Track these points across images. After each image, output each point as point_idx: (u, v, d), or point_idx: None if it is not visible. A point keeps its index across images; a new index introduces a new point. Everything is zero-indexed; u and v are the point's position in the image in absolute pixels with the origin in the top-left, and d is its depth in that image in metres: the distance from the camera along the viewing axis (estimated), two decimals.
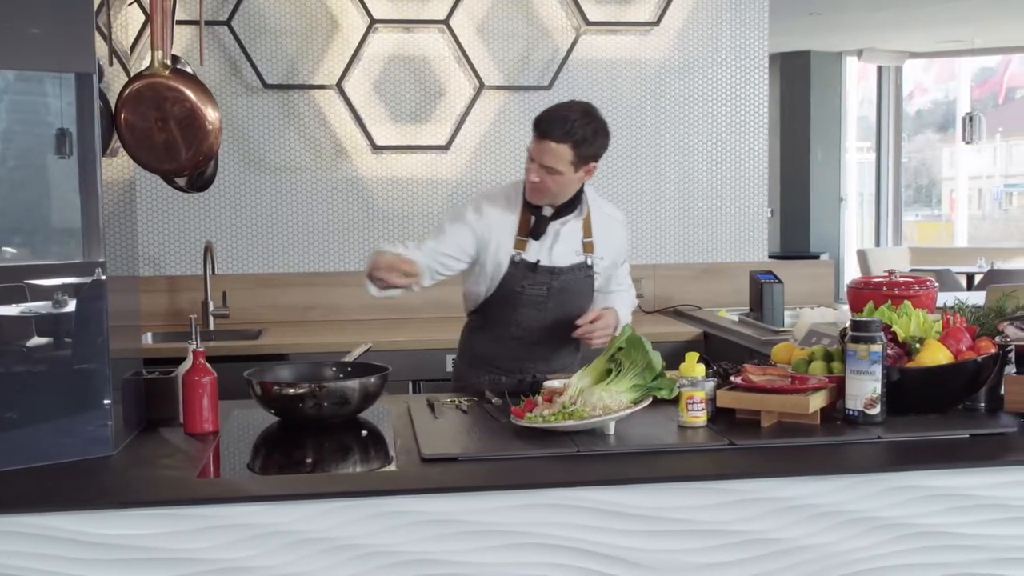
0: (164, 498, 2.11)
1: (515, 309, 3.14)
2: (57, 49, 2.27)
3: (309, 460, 2.51)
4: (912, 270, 9.60)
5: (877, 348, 2.49)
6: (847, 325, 2.70)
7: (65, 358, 2.38)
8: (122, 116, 2.48)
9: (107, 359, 2.39)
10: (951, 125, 14.13)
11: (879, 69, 11.54)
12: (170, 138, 2.50)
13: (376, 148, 4.94)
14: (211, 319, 4.69)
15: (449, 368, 4.19)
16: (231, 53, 4.82)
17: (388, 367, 2.83)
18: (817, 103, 11.03)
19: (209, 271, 4.63)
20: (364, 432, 2.67)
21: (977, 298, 5.91)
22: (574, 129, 2.93)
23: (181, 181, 2.76)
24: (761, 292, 4.44)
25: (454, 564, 2.14)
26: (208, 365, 2.62)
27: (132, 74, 2.55)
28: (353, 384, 2.68)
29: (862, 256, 10.36)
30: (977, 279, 9.37)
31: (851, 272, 10.85)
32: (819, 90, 11.05)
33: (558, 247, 3.11)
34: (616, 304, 3.25)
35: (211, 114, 2.55)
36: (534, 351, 3.22)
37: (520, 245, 3.09)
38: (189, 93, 2.53)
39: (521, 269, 3.09)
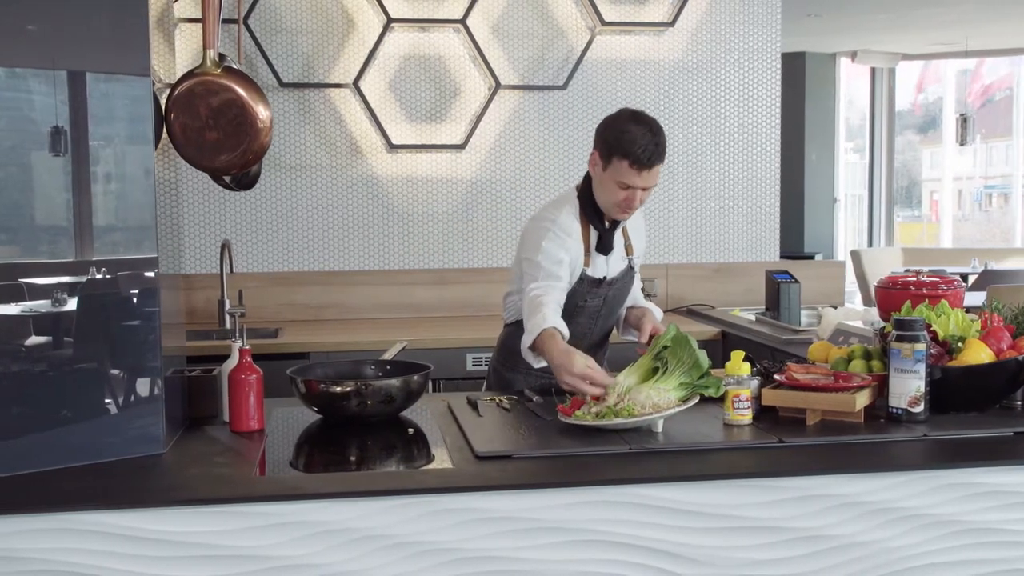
0: (225, 495, 2.11)
1: (571, 320, 3.00)
2: (112, 51, 2.27)
3: (361, 458, 2.51)
4: (906, 270, 9.65)
5: (921, 347, 2.52)
6: (887, 324, 2.74)
7: (117, 356, 2.38)
8: (172, 115, 2.48)
9: (159, 357, 2.39)
10: (931, 127, 14.22)
11: (872, 71, 11.62)
12: (221, 136, 2.50)
13: (392, 147, 4.95)
14: (227, 317, 4.68)
15: (469, 366, 4.22)
16: (247, 51, 4.81)
17: (430, 365, 2.84)
18: (812, 104, 11.09)
19: (226, 269, 4.62)
20: (411, 430, 2.67)
21: (976, 298, 5.96)
22: (664, 146, 2.92)
23: (228, 179, 2.76)
24: (778, 292, 4.48)
25: (512, 560, 2.15)
26: (254, 363, 2.62)
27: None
28: (397, 382, 2.69)
29: (856, 257, 10.41)
30: (971, 280, 9.43)
31: (846, 273, 10.89)
32: (814, 91, 11.11)
33: (613, 259, 3.11)
34: (641, 302, 3.29)
35: (262, 112, 2.55)
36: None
37: (586, 261, 3.05)
38: (241, 91, 2.53)
39: (586, 285, 3.06)
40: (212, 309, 4.73)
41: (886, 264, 10.35)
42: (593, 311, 3.11)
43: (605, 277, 3.08)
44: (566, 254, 2.96)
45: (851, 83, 12.11)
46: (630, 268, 3.17)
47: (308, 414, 2.77)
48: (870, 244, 11.79)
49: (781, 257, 5.52)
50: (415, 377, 2.72)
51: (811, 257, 10.38)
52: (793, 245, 11.09)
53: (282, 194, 4.91)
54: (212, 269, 4.75)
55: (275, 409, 2.84)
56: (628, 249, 3.16)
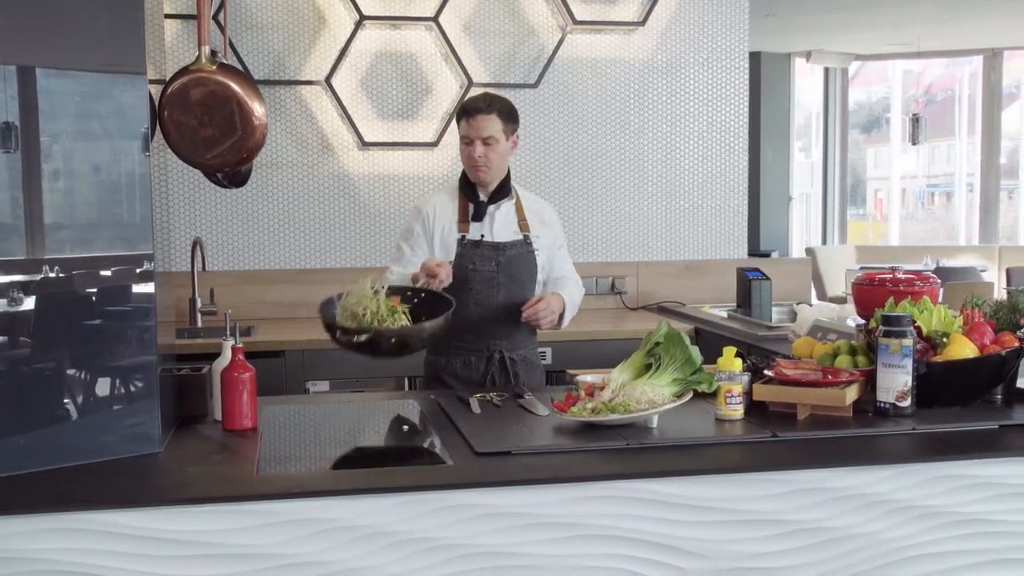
0: (228, 494, 2.10)
1: (470, 288, 3.31)
2: (109, 49, 2.25)
3: (359, 456, 2.50)
4: (862, 268, 9.82)
5: (908, 342, 2.56)
6: (872, 320, 2.79)
7: (113, 354, 2.36)
8: (166, 112, 2.45)
9: (155, 355, 2.37)
10: (876, 126, 14.42)
11: (826, 71, 11.76)
12: (216, 133, 2.48)
13: (364, 145, 4.94)
14: (199, 316, 4.63)
15: None
16: (217, 48, 4.76)
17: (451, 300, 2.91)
18: (767, 104, 11.19)
19: (197, 267, 4.58)
20: (405, 427, 2.68)
21: None
22: (494, 102, 3.33)
23: (220, 176, 2.73)
24: (749, 289, 4.53)
25: (515, 556, 2.16)
26: (247, 361, 2.60)
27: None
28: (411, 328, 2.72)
29: (811, 254, 10.54)
30: None
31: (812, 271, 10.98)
32: (769, 91, 11.21)
33: (497, 226, 3.39)
34: (562, 291, 3.46)
35: (258, 109, 2.54)
36: (495, 328, 3.36)
37: (463, 228, 3.37)
38: (236, 88, 2.51)
39: (469, 248, 3.35)
40: (183, 307, 4.68)
41: (840, 262, 10.49)
42: (488, 277, 3.34)
43: (483, 237, 3.36)
44: (418, 224, 3.42)
45: (797, 83, 12.23)
46: (526, 242, 3.42)
47: (301, 412, 2.76)
48: (824, 242, 11.93)
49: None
50: (426, 325, 2.75)
51: (767, 255, 10.50)
52: (750, 243, 11.18)
53: (254, 192, 4.87)
54: (182, 267, 4.70)
55: (264, 407, 2.82)
56: (523, 227, 3.43)
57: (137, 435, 2.36)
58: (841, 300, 8.92)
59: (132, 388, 2.37)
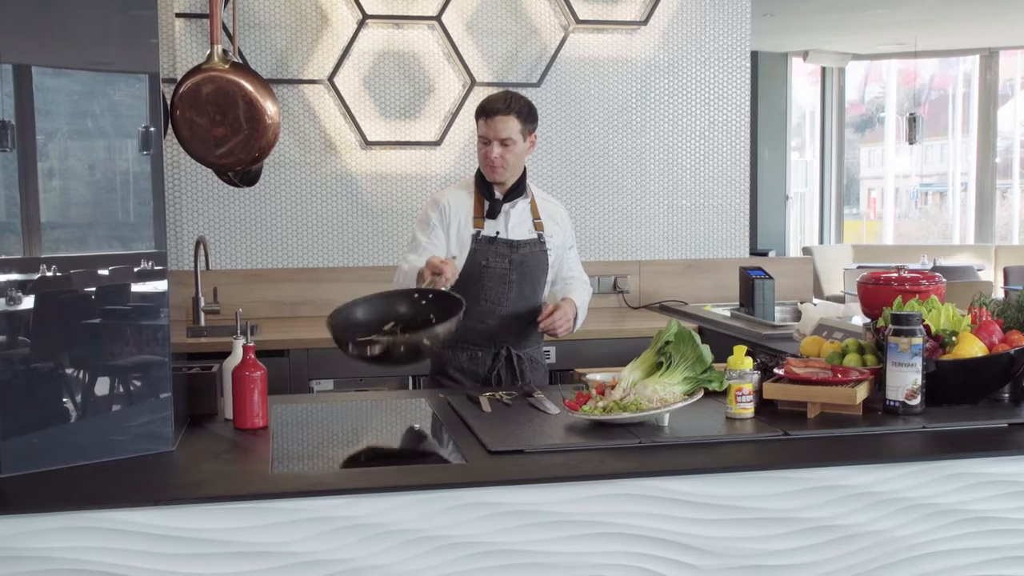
0: (246, 492, 2.10)
1: (482, 284, 3.34)
2: (125, 49, 2.25)
3: (372, 455, 2.51)
4: (859, 267, 9.85)
5: (918, 341, 2.58)
6: (880, 319, 2.80)
7: (125, 353, 2.35)
8: (178, 111, 2.46)
9: (168, 353, 2.37)
10: (869, 126, 14.46)
11: (823, 70, 11.79)
12: (228, 132, 2.48)
13: (367, 144, 4.94)
14: (202, 315, 4.63)
15: None
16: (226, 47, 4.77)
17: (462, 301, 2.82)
18: (764, 103, 11.21)
19: (201, 266, 4.57)
20: (417, 426, 2.68)
21: None
22: (513, 103, 3.34)
23: (232, 175, 2.74)
24: (752, 288, 4.54)
25: (530, 554, 2.17)
26: (258, 360, 2.60)
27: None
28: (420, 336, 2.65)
29: (808, 254, 10.56)
30: None
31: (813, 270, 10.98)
32: (766, 90, 11.23)
33: (512, 224, 3.41)
34: (572, 294, 3.49)
35: (270, 108, 2.54)
36: (504, 325, 3.38)
37: (478, 224, 3.39)
38: (249, 87, 2.52)
39: (483, 244, 3.37)
40: (186, 306, 4.68)
41: (837, 261, 10.52)
42: (501, 273, 3.37)
43: (498, 234, 3.38)
44: (435, 214, 3.40)
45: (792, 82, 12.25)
46: (539, 241, 3.44)
47: (309, 411, 2.76)
48: (821, 241, 11.95)
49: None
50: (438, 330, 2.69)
51: (764, 254, 10.52)
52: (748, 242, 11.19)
53: (256, 191, 4.86)
54: (185, 266, 4.70)
55: (273, 406, 2.82)
56: (537, 226, 3.47)
57: (150, 433, 2.36)
58: (839, 299, 8.95)
59: (145, 387, 2.37)
